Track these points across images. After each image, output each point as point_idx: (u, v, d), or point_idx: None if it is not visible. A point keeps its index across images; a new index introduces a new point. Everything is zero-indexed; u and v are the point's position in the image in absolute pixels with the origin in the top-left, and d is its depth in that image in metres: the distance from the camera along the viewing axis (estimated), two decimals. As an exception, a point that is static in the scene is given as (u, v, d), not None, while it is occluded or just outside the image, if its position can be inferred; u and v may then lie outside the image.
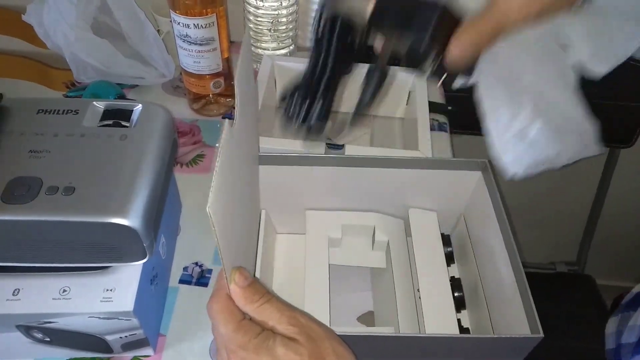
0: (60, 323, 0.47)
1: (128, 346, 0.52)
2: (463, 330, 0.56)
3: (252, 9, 0.81)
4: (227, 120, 0.38)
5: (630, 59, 0.47)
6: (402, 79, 0.76)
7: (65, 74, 0.81)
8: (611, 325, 0.80)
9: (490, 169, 0.56)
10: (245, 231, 0.49)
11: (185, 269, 0.62)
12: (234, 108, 0.85)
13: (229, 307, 0.39)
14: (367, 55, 0.47)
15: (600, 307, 1.00)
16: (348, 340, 0.43)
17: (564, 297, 1.03)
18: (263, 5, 0.79)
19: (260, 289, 0.40)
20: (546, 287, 1.05)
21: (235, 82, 0.42)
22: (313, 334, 0.38)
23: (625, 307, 0.80)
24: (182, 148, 0.76)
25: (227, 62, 0.76)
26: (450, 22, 0.42)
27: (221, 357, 0.40)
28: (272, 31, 0.83)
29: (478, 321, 0.56)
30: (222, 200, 0.36)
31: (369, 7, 0.43)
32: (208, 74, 0.75)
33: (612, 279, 1.41)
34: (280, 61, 0.76)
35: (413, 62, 0.44)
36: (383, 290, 0.60)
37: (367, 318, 0.60)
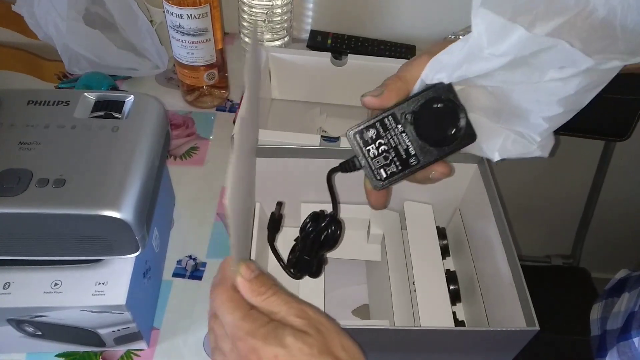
0: (52, 317, 0.46)
1: (121, 340, 0.51)
2: (458, 323, 0.56)
3: (246, 0, 0.80)
4: (240, 114, 0.38)
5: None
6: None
7: (57, 65, 0.80)
8: (595, 312, 0.81)
9: (486, 162, 0.56)
10: (247, 224, 0.49)
11: (179, 262, 0.61)
12: (228, 100, 0.85)
13: (235, 298, 0.38)
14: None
15: (595, 300, 1.01)
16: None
17: (558, 290, 1.03)
18: (257, -4, 0.78)
19: (267, 281, 0.39)
20: (541, 280, 1.05)
21: (245, 74, 0.41)
22: (322, 327, 0.38)
23: (608, 293, 0.80)
24: (176, 140, 0.75)
25: (221, 54, 0.76)
26: None
27: (220, 351, 0.39)
28: (267, 22, 0.82)
29: (473, 314, 0.56)
30: (238, 192, 0.35)
31: None
32: (202, 66, 0.74)
33: (607, 272, 1.42)
34: (275, 52, 0.75)
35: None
36: (378, 283, 0.60)
37: (362, 311, 0.60)
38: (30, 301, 0.45)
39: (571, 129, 1.04)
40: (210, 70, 0.75)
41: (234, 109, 0.81)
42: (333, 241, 0.52)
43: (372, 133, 0.42)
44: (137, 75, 0.81)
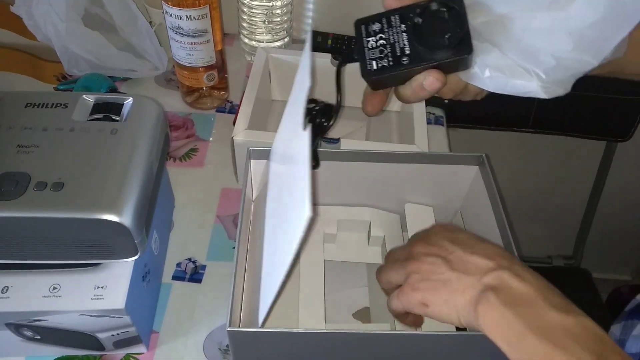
0: (51, 321, 0.46)
1: (120, 344, 0.51)
2: (460, 327, 0.55)
3: (246, 0, 0.80)
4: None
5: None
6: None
7: (56, 66, 0.79)
8: (614, 333, 0.79)
9: (488, 163, 0.55)
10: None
11: (178, 265, 0.61)
12: (228, 101, 0.84)
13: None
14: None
15: (596, 300, 1.00)
16: (342, 338, 0.42)
17: (560, 290, 1.02)
18: (257, -3, 0.78)
19: None
20: (542, 280, 1.05)
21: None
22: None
23: (628, 315, 0.78)
24: (175, 142, 0.75)
25: (221, 55, 0.75)
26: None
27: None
28: (267, 23, 0.82)
29: (475, 317, 0.56)
30: None
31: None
32: (201, 67, 0.74)
33: (608, 272, 1.42)
34: (275, 54, 0.75)
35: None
36: (379, 286, 0.59)
37: (362, 314, 0.60)
38: (28, 305, 0.45)
39: (573, 129, 1.04)
40: (209, 72, 0.75)
41: (233, 110, 0.80)
42: (319, 130, 0.49)
43: (376, 26, 0.44)
44: (136, 76, 0.81)
